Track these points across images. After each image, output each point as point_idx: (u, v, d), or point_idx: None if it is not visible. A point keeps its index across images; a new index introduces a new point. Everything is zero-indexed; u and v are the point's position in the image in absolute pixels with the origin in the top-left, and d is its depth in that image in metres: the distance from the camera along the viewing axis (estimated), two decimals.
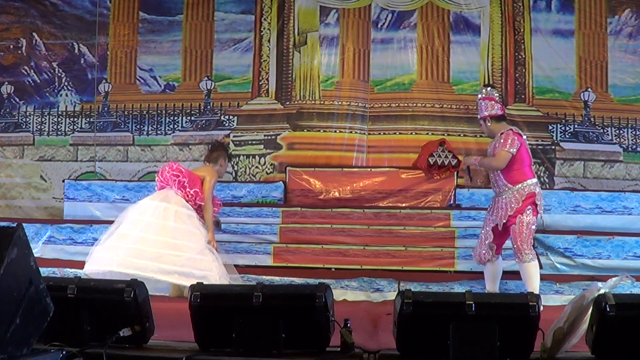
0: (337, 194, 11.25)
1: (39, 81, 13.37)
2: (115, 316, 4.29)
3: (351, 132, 12.09)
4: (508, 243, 8.24)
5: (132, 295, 4.27)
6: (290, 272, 9.26)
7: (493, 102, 8.25)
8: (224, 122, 12.44)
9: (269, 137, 12.18)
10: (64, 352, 3.66)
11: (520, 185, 7.95)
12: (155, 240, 8.26)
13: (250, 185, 11.58)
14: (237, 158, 12.18)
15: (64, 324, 4.07)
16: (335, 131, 12.15)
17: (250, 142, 12.25)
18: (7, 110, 13.43)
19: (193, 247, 8.31)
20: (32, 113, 13.26)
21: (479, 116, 8.41)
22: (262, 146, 12.16)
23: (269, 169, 12.10)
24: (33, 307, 3.42)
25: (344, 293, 8.91)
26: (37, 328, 3.50)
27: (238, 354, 4.22)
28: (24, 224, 3.56)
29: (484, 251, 8.21)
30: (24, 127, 13.27)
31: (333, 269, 9.56)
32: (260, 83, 12.44)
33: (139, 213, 8.57)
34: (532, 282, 7.91)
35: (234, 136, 12.33)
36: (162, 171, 8.84)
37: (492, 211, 8.21)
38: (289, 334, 4.28)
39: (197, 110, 12.59)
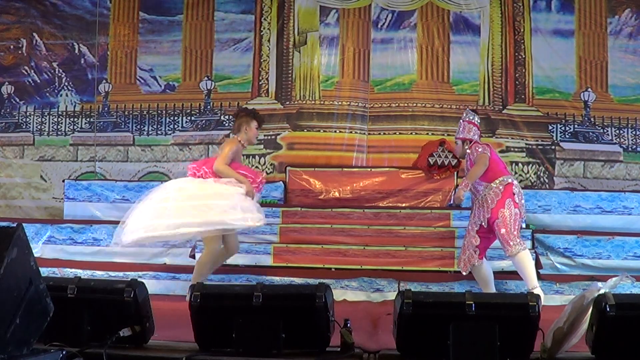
0: (337, 194, 11.24)
1: (39, 81, 13.37)
2: (115, 316, 4.29)
3: (351, 132, 12.09)
4: (496, 243, 8.27)
5: (132, 295, 4.28)
6: (290, 272, 9.25)
7: (475, 128, 8.48)
8: (224, 122, 12.43)
9: (269, 137, 12.17)
10: (64, 352, 3.66)
11: (497, 180, 8.08)
12: (176, 205, 8.15)
13: None
14: None
15: (64, 324, 4.07)
16: (335, 131, 12.14)
17: None
18: (8, 110, 13.43)
19: (221, 203, 8.13)
20: (33, 113, 13.26)
21: (457, 135, 8.57)
22: (262, 146, 12.14)
23: (269, 168, 12.09)
24: (33, 307, 3.42)
25: (344, 293, 8.91)
26: (37, 328, 3.50)
27: (238, 354, 4.23)
28: (24, 224, 3.56)
29: (466, 256, 8.20)
30: (24, 127, 13.27)
31: (333, 269, 9.55)
32: (260, 83, 12.44)
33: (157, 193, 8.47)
34: (527, 272, 7.96)
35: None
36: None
37: (473, 214, 8.27)
38: (289, 334, 4.28)
39: (197, 110, 12.59)
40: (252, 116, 8.62)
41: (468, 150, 8.30)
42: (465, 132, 8.44)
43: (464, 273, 8.30)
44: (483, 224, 8.08)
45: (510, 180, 8.12)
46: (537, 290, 7.63)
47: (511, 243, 7.89)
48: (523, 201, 8.21)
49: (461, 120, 8.56)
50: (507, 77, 12.03)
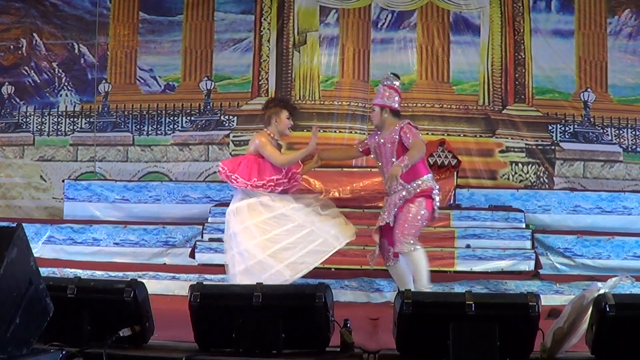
0: (336, 194, 11.20)
1: (39, 81, 13.38)
2: (115, 316, 4.29)
3: (351, 132, 12.09)
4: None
5: (131, 295, 4.28)
6: None
7: (396, 93, 7.93)
8: (224, 122, 12.44)
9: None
10: (63, 352, 3.66)
11: (414, 182, 7.58)
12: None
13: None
14: None
15: (63, 324, 4.08)
16: (335, 131, 12.15)
17: (248, 142, 12.23)
18: (8, 110, 13.44)
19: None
20: (32, 113, 13.28)
21: (375, 101, 8.05)
22: None
23: None
24: (33, 307, 3.42)
25: (343, 293, 8.90)
26: (37, 328, 3.50)
27: (238, 354, 4.23)
28: (23, 224, 3.56)
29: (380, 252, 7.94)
30: (24, 127, 13.28)
31: (333, 269, 9.51)
32: (260, 83, 12.45)
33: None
34: (420, 273, 7.50)
35: (233, 136, 12.34)
36: None
37: (384, 210, 7.85)
38: (289, 333, 4.28)
39: (197, 110, 12.60)
40: (282, 105, 8.06)
41: (397, 127, 7.67)
42: (385, 99, 7.84)
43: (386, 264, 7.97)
44: (390, 222, 7.65)
45: (430, 185, 7.63)
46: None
47: (403, 241, 7.45)
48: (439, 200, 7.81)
49: (380, 84, 8.06)
50: (507, 77, 12.04)
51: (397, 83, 7.99)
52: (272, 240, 7.43)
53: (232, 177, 7.76)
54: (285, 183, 7.81)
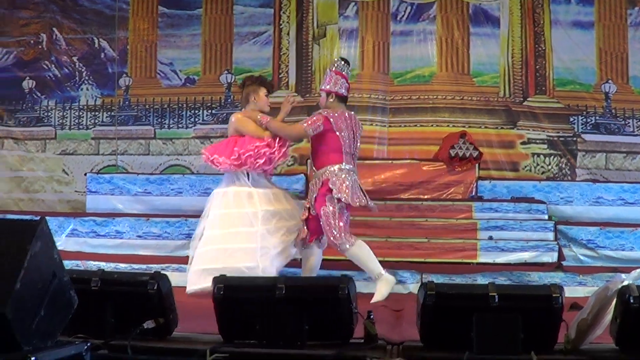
0: None
1: (59, 75, 13.43)
2: (138, 308, 4.31)
3: (371, 124, 12.05)
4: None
5: (155, 288, 4.29)
6: (322, 264, 9.25)
7: (343, 80, 7.92)
8: None
9: None
10: (88, 344, 3.68)
11: (322, 169, 7.70)
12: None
13: (272, 179, 11.58)
14: None
15: (88, 316, 4.09)
16: None
17: None
18: (29, 104, 13.50)
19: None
20: (54, 107, 13.32)
21: (322, 86, 8.08)
22: None
23: (289, 161, 12.07)
24: (57, 299, 3.44)
25: (366, 285, 8.89)
26: (62, 320, 3.52)
27: (262, 345, 4.23)
28: (47, 218, 3.57)
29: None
30: (45, 121, 13.33)
31: None
32: (280, 76, 12.44)
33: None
34: (366, 264, 7.63)
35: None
36: None
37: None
38: (313, 325, 4.28)
39: (217, 104, 12.61)
40: (259, 83, 8.25)
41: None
42: (332, 84, 7.85)
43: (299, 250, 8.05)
44: (311, 209, 7.77)
45: (328, 176, 7.62)
46: (385, 277, 7.53)
47: (338, 243, 7.57)
48: (346, 186, 7.61)
49: (328, 70, 8.08)
50: (528, 68, 11.98)
51: (345, 70, 7.97)
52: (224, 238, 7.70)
53: (213, 159, 7.91)
54: (269, 152, 7.87)
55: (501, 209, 9.77)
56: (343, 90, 7.90)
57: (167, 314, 4.38)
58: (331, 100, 7.88)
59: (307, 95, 12.25)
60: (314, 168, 7.89)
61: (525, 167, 11.78)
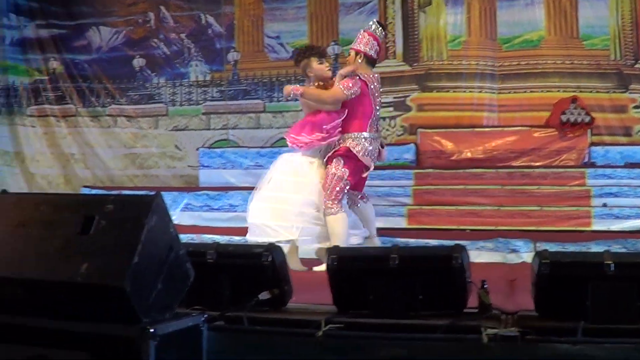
0: (469, 155, 11.13)
1: (169, 53, 13.63)
2: (253, 280, 4.34)
3: (481, 91, 11.89)
4: None
5: (269, 259, 4.32)
6: (425, 234, 9.18)
7: (375, 42, 7.76)
8: None
9: (399, 99, 12.09)
10: (205, 316, 3.72)
11: (346, 135, 7.57)
12: None
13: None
14: None
15: (204, 289, 4.14)
16: (464, 91, 11.96)
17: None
18: (140, 82, 13.75)
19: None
20: (164, 84, 13.54)
21: (352, 45, 7.98)
22: (391, 108, 12.08)
23: (399, 131, 12.03)
24: (174, 272, 3.49)
25: (479, 254, 8.80)
26: (179, 293, 3.56)
27: (376, 316, 4.22)
28: (161, 193, 3.61)
29: None
30: (157, 98, 13.56)
31: (468, 230, 9.45)
32: (387, 46, 12.35)
33: None
34: (334, 237, 7.32)
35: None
36: None
37: None
38: (426, 295, 4.26)
39: None
40: (308, 55, 8.01)
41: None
42: (362, 44, 7.75)
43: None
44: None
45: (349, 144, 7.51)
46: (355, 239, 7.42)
47: (325, 206, 7.44)
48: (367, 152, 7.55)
49: (361, 30, 7.95)
50: (638, 30, 11.61)
51: (378, 31, 7.81)
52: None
53: (292, 139, 7.86)
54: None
55: (615, 175, 9.57)
56: (372, 53, 7.76)
57: (281, 285, 4.41)
58: (359, 60, 7.74)
59: (415, 64, 12.15)
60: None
61: (639, 131, 11.46)
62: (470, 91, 11.89)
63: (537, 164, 10.66)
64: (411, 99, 12.09)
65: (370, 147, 7.58)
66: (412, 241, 8.72)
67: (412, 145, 11.41)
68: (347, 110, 7.57)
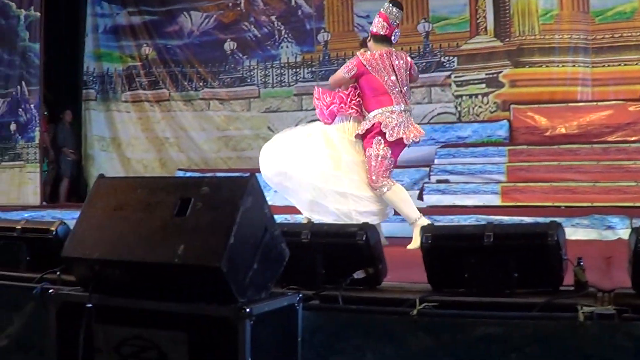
0: (563, 130, 10.98)
1: (259, 35, 13.74)
2: (348, 259, 4.35)
3: (574, 65, 11.70)
4: None
5: (364, 238, 4.32)
6: (519, 212, 9.08)
7: (381, 19, 7.66)
8: (444, 64, 12.37)
9: (491, 76, 11.99)
10: (300, 295, 3.75)
11: (373, 112, 7.55)
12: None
13: (474, 125, 11.50)
14: (460, 98, 12.09)
15: (299, 268, 4.16)
16: (557, 66, 11.80)
17: (472, 82, 12.11)
18: (232, 65, 13.88)
19: None
20: (256, 67, 13.64)
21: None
22: (484, 85, 11.99)
23: (492, 107, 11.93)
24: (269, 252, 3.52)
25: (574, 231, 8.67)
26: (274, 273, 3.60)
27: (471, 294, 4.20)
28: (256, 174, 3.65)
29: None
30: (249, 81, 13.69)
31: (563, 207, 9.33)
32: (478, 21, 12.24)
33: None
34: (402, 209, 7.50)
35: (455, 77, 12.23)
36: None
37: None
38: (521, 273, 4.21)
39: (416, 53, 12.55)
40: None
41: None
42: (372, 25, 7.82)
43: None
44: None
45: (378, 120, 7.48)
46: (421, 222, 7.15)
47: (375, 185, 7.47)
48: (395, 125, 7.48)
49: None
50: None
51: (393, 10, 7.69)
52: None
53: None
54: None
55: None
56: (380, 30, 7.67)
57: (376, 264, 4.41)
58: (369, 42, 7.82)
59: (507, 40, 12.01)
60: (365, 112, 7.71)
61: None
62: (563, 65, 11.71)
63: (633, 138, 10.45)
64: (503, 75, 11.97)
65: (399, 120, 7.55)
66: (506, 219, 8.62)
67: (505, 121, 11.30)
68: (357, 90, 7.73)
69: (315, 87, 8.15)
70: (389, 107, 7.53)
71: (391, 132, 7.42)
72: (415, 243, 6.99)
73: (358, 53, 7.83)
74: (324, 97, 7.83)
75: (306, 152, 7.71)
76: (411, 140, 7.59)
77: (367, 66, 7.58)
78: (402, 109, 7.61)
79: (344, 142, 7.69)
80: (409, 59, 7.82)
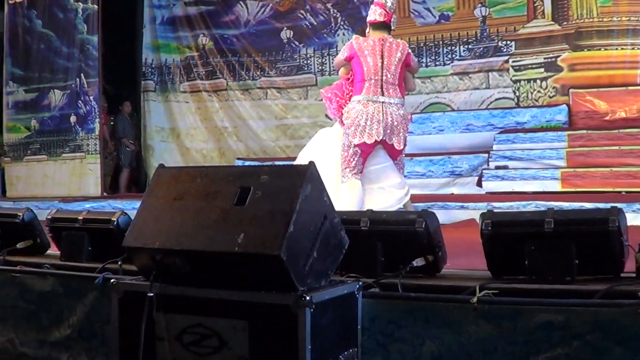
0: (623, 114, 10.84)
1: (315, 23, 13.75)
2: (407, 247, 4.35)
3: (633, 48, 11.52)
4: None
5: (423, 226, 4.32)
6: (579, 197, 8.99)
7: (378, 7, 7.46)
8: (502, 48, 12.27)
9: (549, 60, 11.86)
10: (360, 283, 3.76)
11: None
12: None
13: (533, 110, 11.40)
14: (518, 83, 12.00)
15: (358, 256, 4.17)
16: (616, 48, 11.63)
17: (530, 66, 12.00)
18: (288, 54, 13.92)
19: None
20: (312, 55, 13.65)
21: None
22: (542, 69, 11.87)
23: (551, 92, 11.81)
24: (329, 240, 3.54)
25: (635, 217, 8.56)
26: (334, 260, 3.62)
27: (531, 281, 4.18)
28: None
29: None
30: (305, 69, 13.71)
31: (623, 193, 9.22)
32: (536, 5, 12.12)
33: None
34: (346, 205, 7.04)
35: (513, 61, 12.13)
36: None
37: None
38: (582, 260, 4.18)
39: (473, 38, 12.48)
40: None
41: None
42: (369, 16, 7.63)
43: None
44: None
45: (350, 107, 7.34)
46: None
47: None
48: (351, 121, 7.25)
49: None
50: None
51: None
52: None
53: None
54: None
55: None
56: (373, 17, 7.51)
57: (435, 251, 4.40)
58: (367, 30, 7.64)
59: (565, 23, 11.87)
60: None
61: None
62: (622, 48, 11.54)
63: None
64: (562, 59, 11.83)
65: (365, 111, 7.27)
66: (566, 205, 8.54)
67: (564, 106, 11.19)
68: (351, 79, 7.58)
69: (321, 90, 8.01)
70: (358, 96, 7.35)
71: (346, 127, 7.34)
72: None
73: (353, 36, 7.77)
74: (327, 94, 7.76)
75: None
76: (355, 141, 7.30)
77: (356, 50, 7.40)
78: (374, 99, 7.31)
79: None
80: (407, 48, 7.52)
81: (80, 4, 14.26)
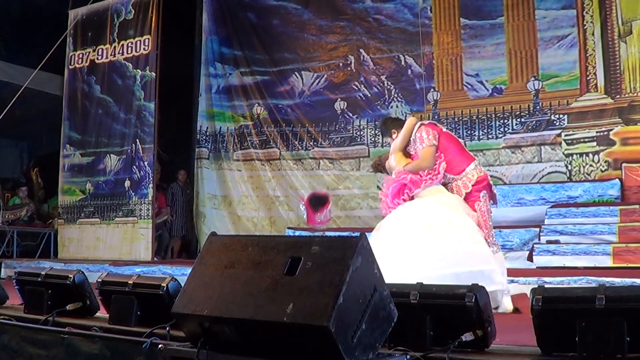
0: None
1: (369, 95, 13.85)
2: (456, 321, 4.33)
3: None
4: None
5: (473, 300, 4.30)
6: (631, 273, 8.88)
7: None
8: (554, 122, 12.25)
9: (601, 134, 11.81)
10: (407, 357, 3.75)
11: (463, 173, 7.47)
12: None
13: (585, 185, 11.32)
14: (570, 157, 11.95)
15: (407, 329, 4.16)
16: None
17: (582, 140, 11.96)
18: (342, 125, 14.01)
19: None
20: (366, 126, 13.73)
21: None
22: (594, 143, 11.82)
23: (603, 166, 11.73)
24: (378, 313, 3.54)
25: None
26: (382, 333, 3.61)
27: (581, 358, 4.14)
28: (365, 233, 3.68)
29: None
30: (358, 140, 13.78)
31: None
32: (588, 78, 12.11)
33: None
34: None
35: (565, 135, 12.10)
36: None
37: None
38: (634, 337, 4.13)
39: (526, 112, 12.49)
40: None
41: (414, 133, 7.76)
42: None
43: None
44: None
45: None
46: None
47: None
48: None
49: None
50: None
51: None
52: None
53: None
54: None
55: None
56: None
57: (484, 326, 4.37)
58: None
59: (617, 97, 11.84)
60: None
61: None
62: None
63: None
64: (614, 133, 11.77)
65: None
66: (618, 280, 8.45)
67: (617, 180, 11.10)
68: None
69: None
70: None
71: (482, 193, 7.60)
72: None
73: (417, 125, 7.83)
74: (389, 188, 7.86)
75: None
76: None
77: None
78: None
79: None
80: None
81: (138, 71, 14.52)
